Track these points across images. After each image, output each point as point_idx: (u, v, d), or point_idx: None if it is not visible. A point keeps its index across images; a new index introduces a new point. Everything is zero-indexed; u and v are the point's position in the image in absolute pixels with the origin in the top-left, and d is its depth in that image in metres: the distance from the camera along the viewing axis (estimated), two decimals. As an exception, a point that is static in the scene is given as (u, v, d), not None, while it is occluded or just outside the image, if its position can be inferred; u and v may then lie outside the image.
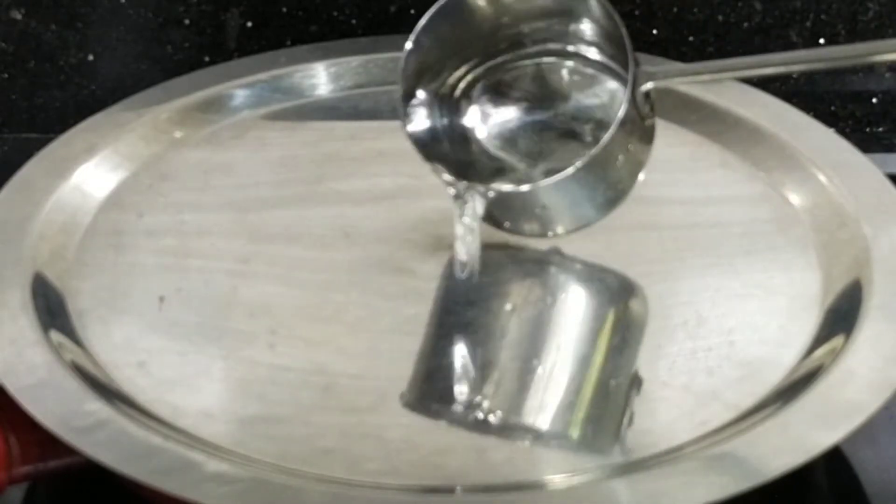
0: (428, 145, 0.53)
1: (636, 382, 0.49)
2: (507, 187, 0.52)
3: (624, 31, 0.50)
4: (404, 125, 0.53)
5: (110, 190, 0.58)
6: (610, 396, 0.49)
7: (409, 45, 0.52)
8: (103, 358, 0.49)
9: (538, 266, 0.54)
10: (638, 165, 0.53)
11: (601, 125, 0.53)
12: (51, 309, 0.51)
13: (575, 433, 0.47)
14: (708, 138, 0.61)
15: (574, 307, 0.53)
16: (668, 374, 0.49)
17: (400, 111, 0.53)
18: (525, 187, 0.52)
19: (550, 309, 0.53)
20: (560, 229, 0.54)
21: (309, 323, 0.51)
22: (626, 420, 0.47)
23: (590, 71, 0.55)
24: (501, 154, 0.55)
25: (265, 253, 0.55)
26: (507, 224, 0.54)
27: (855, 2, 0.69)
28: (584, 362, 0.50)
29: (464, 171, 0.52)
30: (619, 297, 0.53)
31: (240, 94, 0.64)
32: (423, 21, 0.52)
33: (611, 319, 0.52)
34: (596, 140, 0.51)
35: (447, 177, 0.52)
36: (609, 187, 0.53)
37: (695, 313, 0.51)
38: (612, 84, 0.54)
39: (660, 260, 0.54)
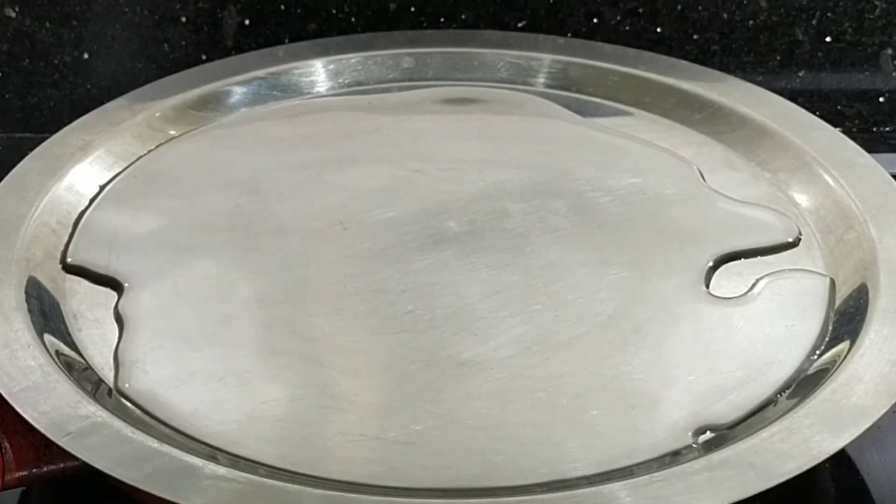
0: None
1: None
2: None
3: None
4: None
5: (105, 189, 0.58)
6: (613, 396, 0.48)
7: None
8: (98, 360, 0.49)
9: (535, 265, 0.54)
10: None
11: None
12: (45, 311, 0.51)
13: (576, 435, 0.47)
14: (712, 138, 0.61)
15: (574, 305, 0.52)
16: (671, 375, 0.48)
17: None
18: None
19: (550, 308, 0.52)
20: None
21: (307, 319, 0.51)
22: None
23: None
24: None
25: (262, 248, 0.54)
26: None
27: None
28: (586, 363, 0.49)
29: None
30: (620, 294, 0.52)
31: (236, 92, 0.64)
32: None
33: (613, 317, 0.51)
34: None
35: None
36: None
37: (698, 313, 0.51)
38: None
39: (662, 259, 0.53)
